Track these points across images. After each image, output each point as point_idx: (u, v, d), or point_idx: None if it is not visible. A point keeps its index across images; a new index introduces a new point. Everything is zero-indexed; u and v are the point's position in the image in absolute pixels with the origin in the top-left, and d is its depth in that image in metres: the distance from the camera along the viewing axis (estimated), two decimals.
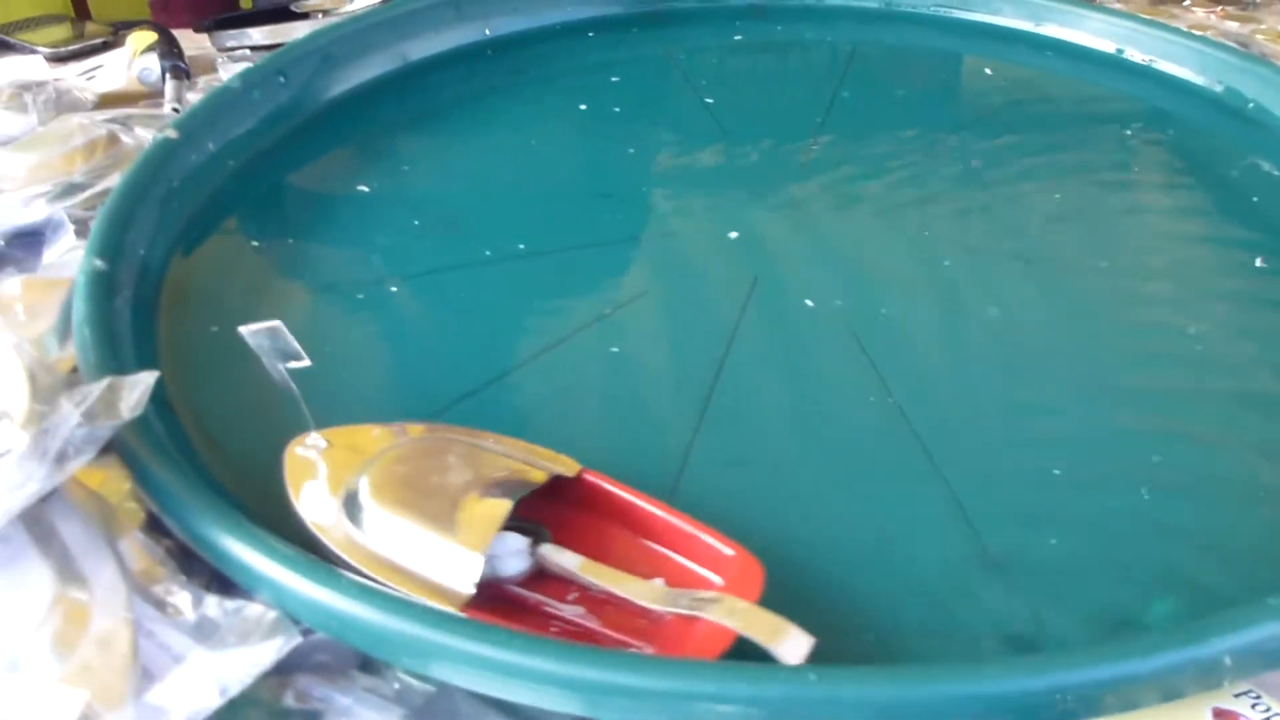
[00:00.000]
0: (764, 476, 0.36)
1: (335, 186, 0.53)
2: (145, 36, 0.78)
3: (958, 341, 0.43)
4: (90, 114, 0.59)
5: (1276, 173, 0.55)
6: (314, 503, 0.31)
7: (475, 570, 0.28)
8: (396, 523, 0.30)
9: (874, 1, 0.70)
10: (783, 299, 0.45)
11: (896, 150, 0.58)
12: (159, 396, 0.35)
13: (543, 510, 0.32)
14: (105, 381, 0.30)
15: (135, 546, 0.30)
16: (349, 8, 0.84)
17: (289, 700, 0.29)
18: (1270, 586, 0.30)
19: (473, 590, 0.28)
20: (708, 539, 0.31)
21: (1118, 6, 0.90)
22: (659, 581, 0.30)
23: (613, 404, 0.40)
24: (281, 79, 0.56)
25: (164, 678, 0.27)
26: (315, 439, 0.33)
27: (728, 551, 0.30)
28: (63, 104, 0.64)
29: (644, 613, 0.29)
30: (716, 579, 0.30)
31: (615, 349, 0.42)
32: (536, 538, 0.31)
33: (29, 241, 0.48)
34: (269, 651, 0.28)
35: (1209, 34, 0.81)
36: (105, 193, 0.48)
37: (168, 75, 0.69)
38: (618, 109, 0.60)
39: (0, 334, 0.31)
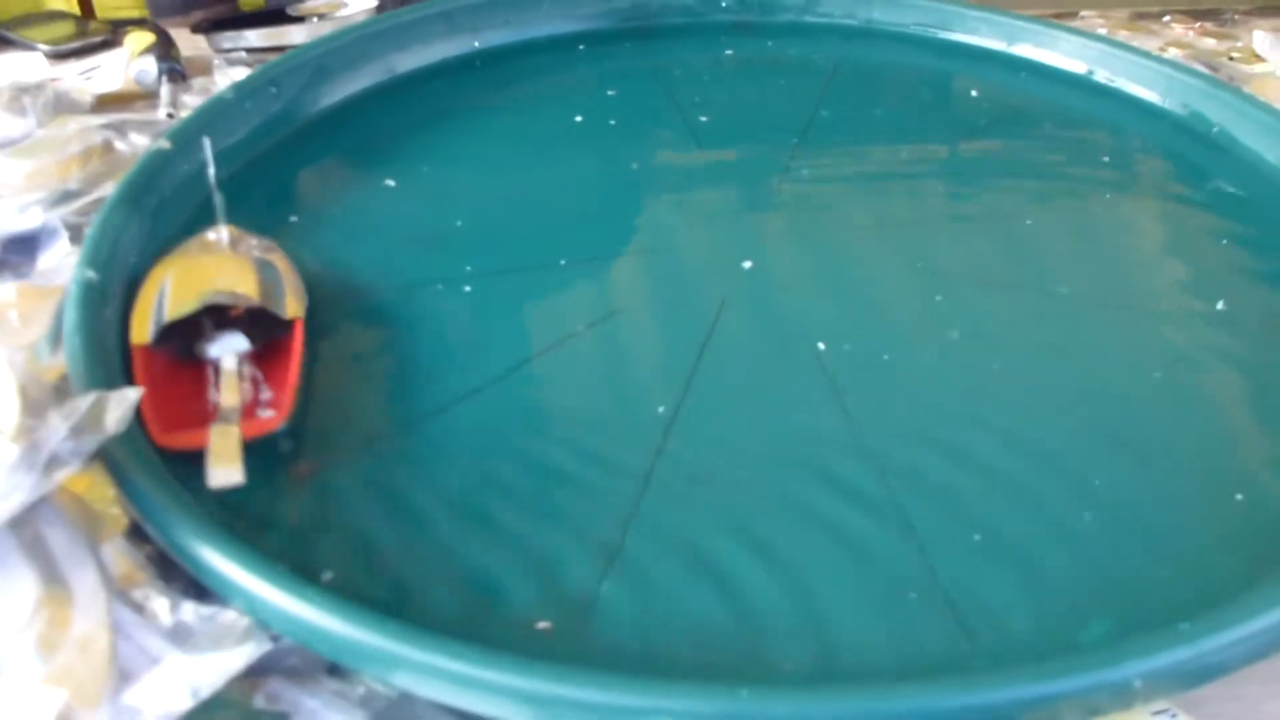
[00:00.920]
0: (726, 493, 0.38)
1: (323, 198, 0.54)
2: (143, 37, 0.79)
3: (917, 363, 0.45)
4: (86, 119, 0.61)
5: (1240, 194, 0.56)
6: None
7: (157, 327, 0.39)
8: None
9: (855, 20, 0.72)
10: (754, 316, 0.47)
11: (873, 169, 0.60)
12: None
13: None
14: (92, 396, 0.31)
15: (117, 552, 0.32)
16: (343, 12, 0.85)
17: (259, 702, 0.31)
18: (1197, 609, 0.31)
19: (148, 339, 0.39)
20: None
21: (1099, 21, 0.92)
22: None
23: (579, 419, 0.41)
24: (274, 89, 0.57)
25: (140, 679, 0.29)
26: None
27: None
28: (61, 105, 0.65)
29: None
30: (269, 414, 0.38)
31: (585, 365, 0.44)
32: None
33: (24, 247, 0.49)
34: (241, 657, 0.30)
35: (1186, 51, 0.83)
36: (100, 200, 0.50)
37: (164, 78, 0.71)
38: (605, 122, 0.62)
39: None
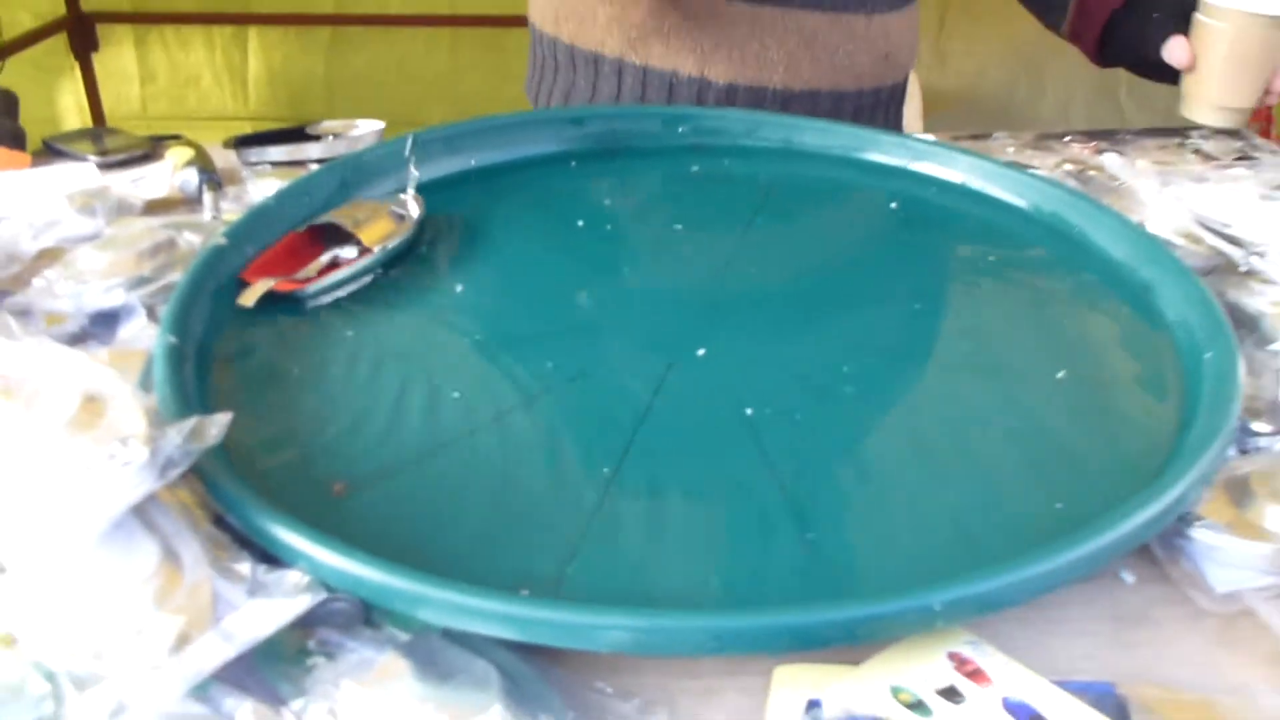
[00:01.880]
0: (660, 541, 0.49)
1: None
2: (184, 152, 0.93)
3: (824, 415, 0.57)
4: (147, 220, 0.73)
5: (1090, 280, 0.69)
6: None
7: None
8: None
9: (789, 143, 0.86)
10: (690, 389, 0.59)
11: (798, 262, 0.73)
12: None
13: None
14: (195, 419, 0.43)
15: (208, 534, 0.43)
16: (355, 132, 0.99)
17: (312, 645, 0.42)
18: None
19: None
20: None
21: (1010, 141, 1.06)
22: None
23: (520, 478, 0.52)
24: (307, 198, 0.70)
25: (230, 616, 0.40)
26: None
27: None
28: (120, 209, 0.78)
29: None
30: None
31: (533, 431, 0.55)
32: None
33: (107, 321, 0.61)
34: (300, 604, 0.41)
35: (1078, 166, 0.97)
36: (168, 285, 0.62)
37: (205, 188, 0.84)
38: (574, 222, 0.75)
39: (120, 383, 0.44)
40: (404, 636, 0.42)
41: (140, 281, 0.63)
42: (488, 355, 0.61)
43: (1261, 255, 0.69)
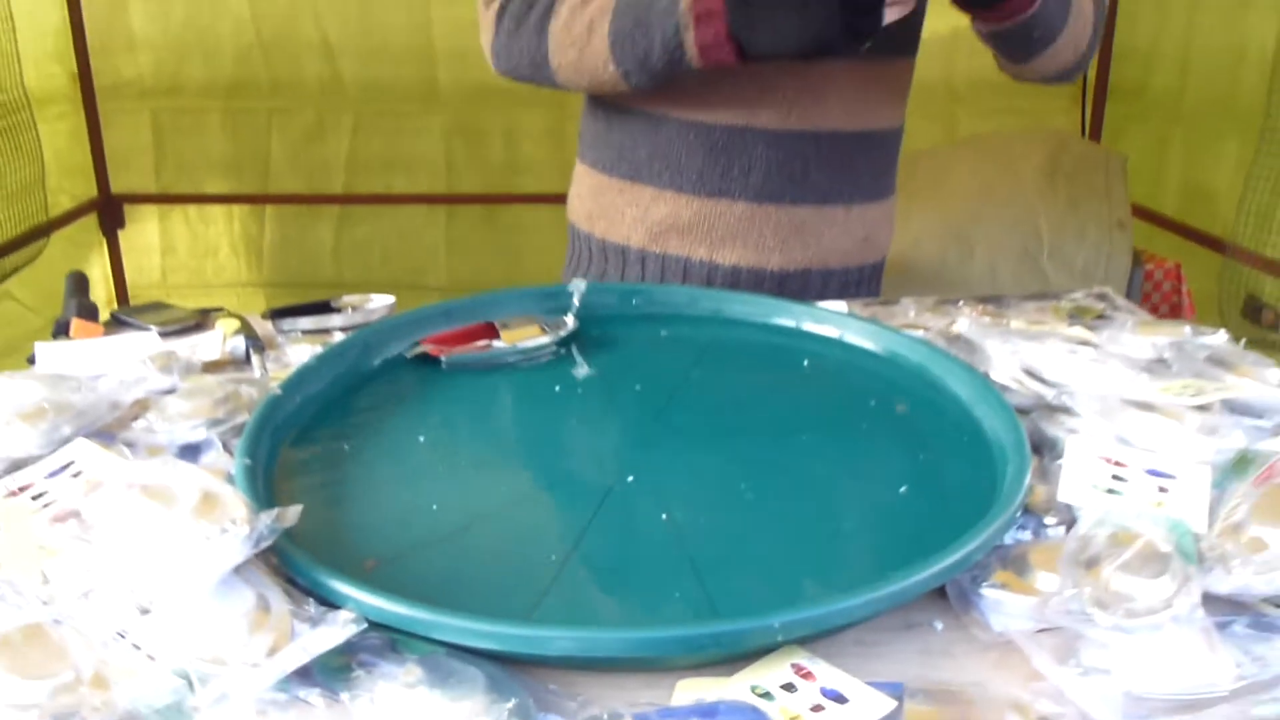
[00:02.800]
0: (597, 592, 0.69)
1: (364, 423, 0.88)
2: (231, 323, 1.15)
3: (733, 520, 0.77)
4: (214, 376, 0.94)
5: (946, 417, 0.90)
6: None
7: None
8: None
9: (723, 313, 1.08)
10: (629, 507, 0.78)
11: (724, 407, 0.94)
12: None
13: None
14: (277, 509, 0.63)
15: (285, 587, 0.63)
16: (371, 305, 1.21)
17: (355, 664, 0.61)
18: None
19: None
20: None
21: (911, 305, 1.28)
22: None
23: (496, 557, 0.72)
24: (340, 358, 0.92)
25: (302, 638, 0.59)
26: None
27: None
28: (188, 368, 0.99)
29: None
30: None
31: (507, 527, 0.76)
32: None
33: (193, 452, 0.82)
34: (348, 632, 0.60)
35: (967, 327, 1.19)
36: (238, 425, 0.83)
37: (252, 352, 1.05)
38: (553, 388, 0.97)
39: (226, 485, 0.64)
40: (415, 655, 0.61)
41: (216, 422, 0.84)
42: (465, 474, 0.82)
43: (1071, 395, 0.90)
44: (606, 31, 1.12)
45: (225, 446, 0.82)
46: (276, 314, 1.19)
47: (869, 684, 0.60)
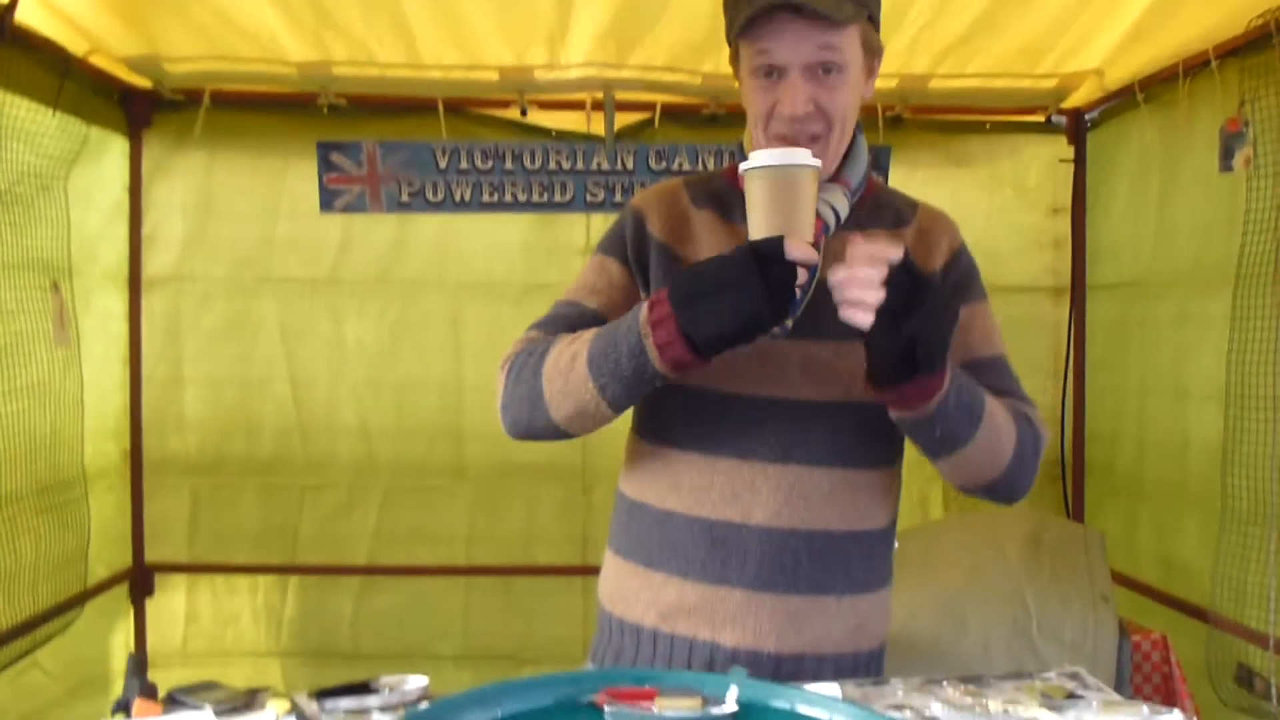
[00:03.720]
0: None
1: None
2: (282, 703, 1.26)
3: None
4: None
5: None
6: None
7: None
8: None
9: None
10: None
11: None
12: None
13: None
14: None
15: None
16: (407, 686, 1.33)
17: None
18: None
19: None
20: None
21: (900, 684, 1.38)
22: None
23: None
24: None
25: None
26: None
27: None
28: None
29: None
30: None
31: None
32: None
33: None
34: None
35: (945, 709, 1.29)
36: None
37: None
38: None
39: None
40: None
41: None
42: None
43: None
44: (585, 357, 1.31)
45: None
46: (321, 694, 1.31)
47: None
